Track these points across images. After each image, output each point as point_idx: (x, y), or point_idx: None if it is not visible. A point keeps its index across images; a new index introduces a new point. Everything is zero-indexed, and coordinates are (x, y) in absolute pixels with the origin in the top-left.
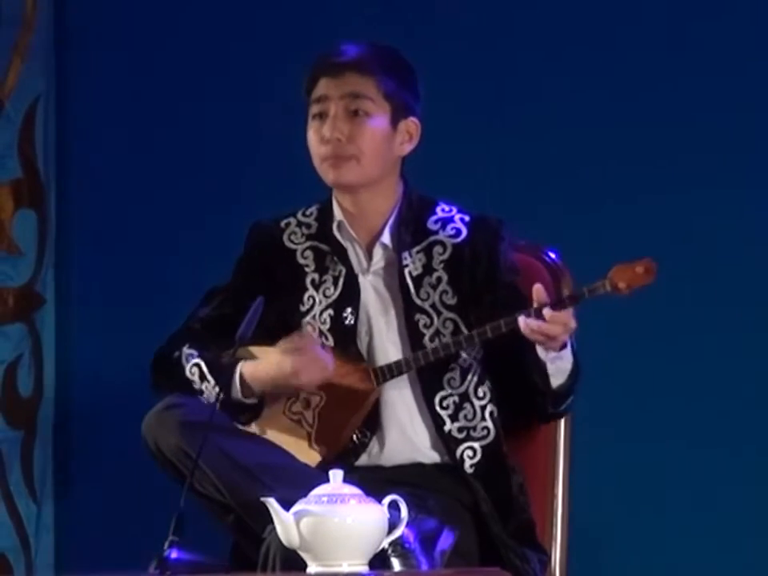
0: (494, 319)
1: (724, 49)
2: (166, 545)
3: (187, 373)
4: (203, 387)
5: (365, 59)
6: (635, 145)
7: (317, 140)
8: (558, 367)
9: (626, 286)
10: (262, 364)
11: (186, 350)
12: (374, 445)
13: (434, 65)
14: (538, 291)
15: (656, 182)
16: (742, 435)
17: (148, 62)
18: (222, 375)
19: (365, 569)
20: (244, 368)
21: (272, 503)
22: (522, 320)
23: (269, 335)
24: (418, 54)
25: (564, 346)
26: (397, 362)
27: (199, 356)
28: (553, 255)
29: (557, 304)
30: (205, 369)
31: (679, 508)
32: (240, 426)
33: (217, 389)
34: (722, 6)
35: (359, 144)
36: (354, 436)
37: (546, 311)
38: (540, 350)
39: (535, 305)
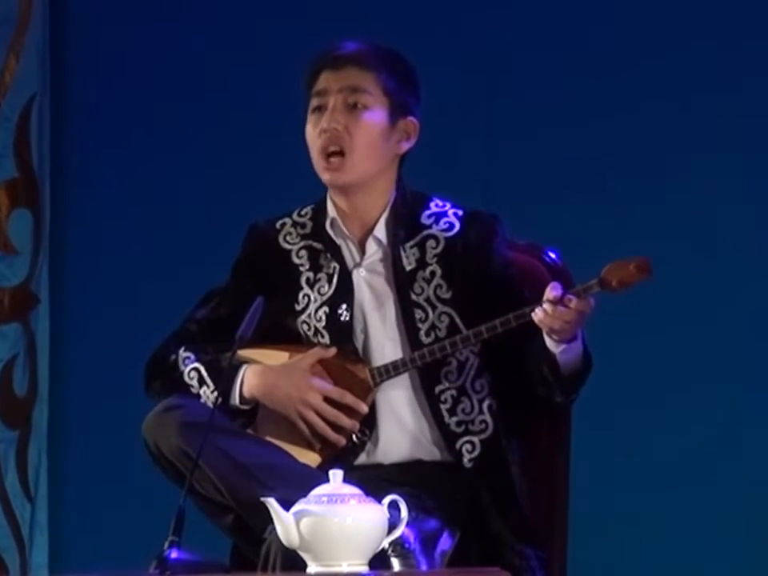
0: (490, 314)
1: (723, 45)
2: (166, 545)
3: (185, 377)
4: (201, 392)
5: (366, 54)
6: (636, 145)
7: (315, 132)
8: (568, 357)
9: (618, 284)
10: (266, 386)
11: (182, 353)
12: (372, 442)
13: (434, 63)
14: (554, 286)
15: (656, 182)
16: (742, 435)
17: (143, 61)
18: (222, 381)
19: (365, 569)
20: (246, 379)
21: (272, 503)
22: (544, 306)
23: (265, 336)
24: (415, 52)
25: (574, 338)
26: (394, 363)
27: (197, 360)
28: (553, 255)
29: (572, 294)
30: (204, 373)
31: (679, 507)
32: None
33: (216, 394)
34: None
35: (355, 137)
36: (353, 436)
37: (566, 298)
38: (548, 341)
39: (545, 297)
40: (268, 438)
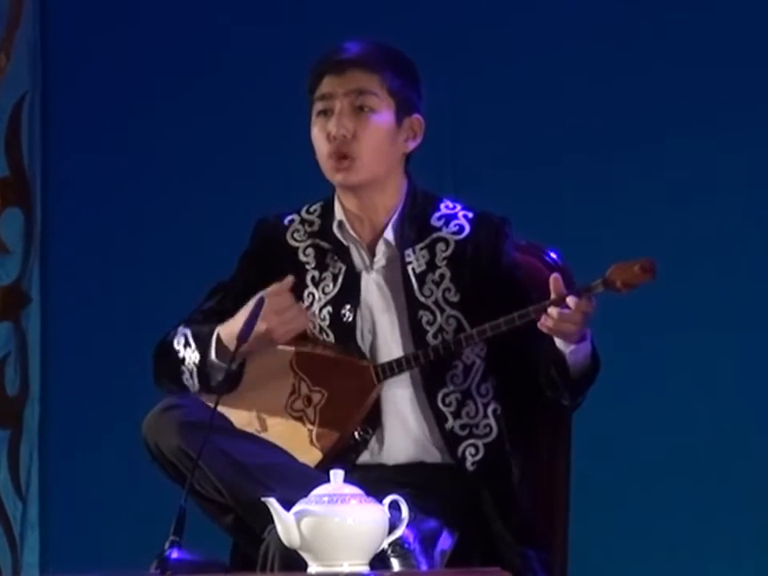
0: (497, 317)
1: (727, 44)
2: (167, 544)
3: (175, 344)
4: (185, 354)
5: (369, 56)
6: (636, 144)
7: (322, 137)
8: (577, 358)
9: (623, 285)
10: (236, 323)
11: (180, 330)
12: (375, 442)
13: (435, 61)
14: (556, 281)
15: (656, 182)
16: (745, 437)
17: (135, 58)
18: (203, 339)
19: (365, 569)
20: (220, 329)
21: (272, 503)
22: (550, 310)
23: None
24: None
25: (583, 339)
26: (398, 360)
27: (188, 328)
28: (553, 255)
29: (575, 293)
30: (190, 336)
31: (680, 508)
32: (240, 428)
33: (196, 353)
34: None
35: (363, 141)
36: (356, 433)
37: (570, 300)
38: (558, 342)
39: (552, 296)
40: (270, 433)
